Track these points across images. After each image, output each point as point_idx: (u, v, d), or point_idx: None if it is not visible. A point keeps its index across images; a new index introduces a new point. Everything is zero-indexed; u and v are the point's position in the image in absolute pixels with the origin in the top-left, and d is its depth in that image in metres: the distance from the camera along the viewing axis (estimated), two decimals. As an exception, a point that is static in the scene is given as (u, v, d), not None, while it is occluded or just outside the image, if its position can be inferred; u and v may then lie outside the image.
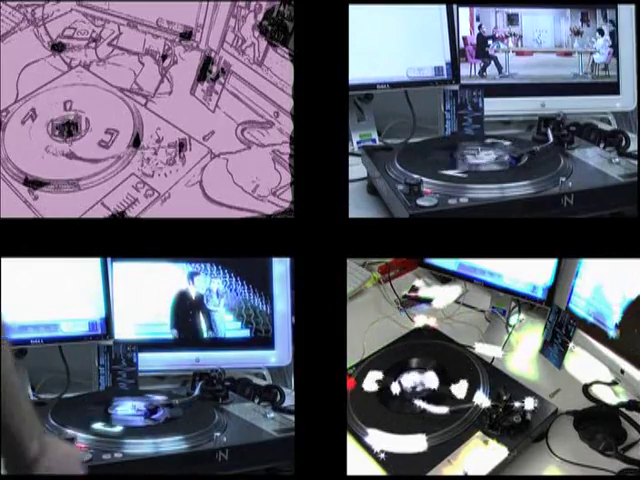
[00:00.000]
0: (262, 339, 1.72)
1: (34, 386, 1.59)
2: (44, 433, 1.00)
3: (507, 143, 1.55)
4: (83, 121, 1.34)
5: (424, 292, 1.84)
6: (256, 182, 1.34)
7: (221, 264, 1.70)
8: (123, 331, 1.62)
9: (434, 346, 1.54)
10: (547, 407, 1.32)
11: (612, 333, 1.40)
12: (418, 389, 1.38)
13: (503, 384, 1.35)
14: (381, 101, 1.90)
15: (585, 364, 1.51)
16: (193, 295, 1.70)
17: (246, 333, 1.72)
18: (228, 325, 1.71)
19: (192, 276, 1.70)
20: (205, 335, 1.70)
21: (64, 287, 1.52)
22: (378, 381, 1.39)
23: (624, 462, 1.21)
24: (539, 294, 1.57)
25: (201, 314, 1.70)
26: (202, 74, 1.37)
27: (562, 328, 1.49)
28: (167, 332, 1.68)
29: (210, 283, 1.71)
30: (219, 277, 1.71)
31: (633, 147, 1.73)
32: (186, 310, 1.70)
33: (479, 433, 1.25)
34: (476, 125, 1.69)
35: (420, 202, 1.26)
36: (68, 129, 1.33)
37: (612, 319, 1.41)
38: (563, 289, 1.55)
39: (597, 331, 1.46)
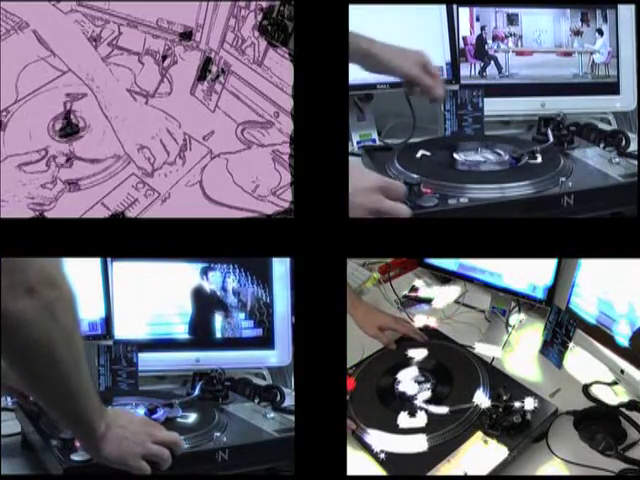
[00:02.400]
0: (262, 339, 1.73)
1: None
2: (104, 407, 1.08)
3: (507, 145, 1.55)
4: (83, 121, 1.33)
5: (424, 292, 1.84)
6: (256, 182, 1.34)
7: (226, 262, 1.71)
8: (122, 331, 1.62)
9: (434, 346, 1.55)
10: (547, 407, 1.32)
11: (623, 342, 1.39)
12: (418, 389, 1.37)
13: (503, 384, 1.35)
14: (381, 101, 1.90)
15: (585, 364, 1.51)
16: (204, 293, 1.70)
17: (250, 324, 1.72)
18: (236, 318, 1.71)
19: (205, 273, 1.70)
20: (220, 332, 1.70)
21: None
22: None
23: (624, 462, 1.21)
24: (539, 294, 1.57)
25: (214, 311, 1.71)
26: (202, 74, 1.37)
27: (562, 328, 1.49)
28: (170, 331, 1.69)
29: (221, 280, 1.71)
30: (226, 273, 1.71)
31: (633, 147, 1.73)
32: (199, 308, 1.70)
33: (479, 433, 1.25)
34: (476, 125, 1.68)
35: (420, 202, 1.26)
36: (68, 129, 1.33)
37: (615, 319, 1.41)
38: (563, 289, 1.55)
39: (598, 331, 1.46)
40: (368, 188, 1.16)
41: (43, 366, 0.95)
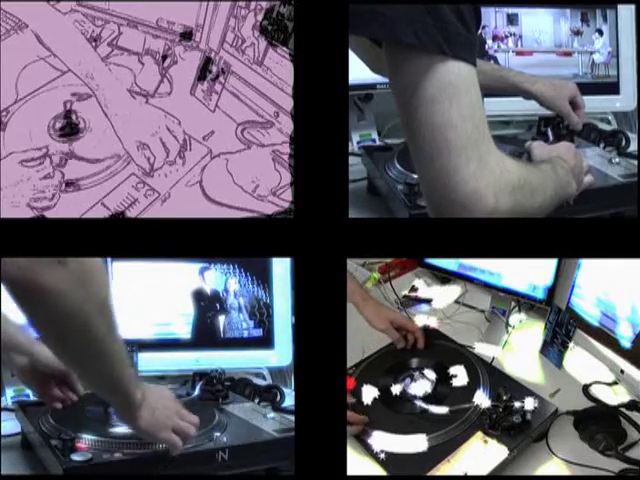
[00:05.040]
0: (262, 339, 1.73)
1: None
2: (139, 378, 1.12)
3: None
4: (83, 121, 1.34)
5: (424, 292, 1.84)
6: (256, 182, 1.34)
7: (226, 262, 1.71)
8: (122, 331, 1.62)
9: (434, 346, 1.54)
10: (547, 407, 1.32)
11: (626, 343, 1.39)
12: (418, 389, 1.37)
13: (503, 384, 1.35)
14: (381, 101, 1.90)
15: (585, 364, 1.51)
16: (204, 293, 1.70)
17: (250, 324, 1.72)
18: (236, 318, 1.71)
19: (205, 273, 1.70)
20: (220, 333, 1.70)
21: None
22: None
23: (624, 462, 1.21)
24: (539, 294, 1.57)
25: (214, 311, 1.70)
26: (202, 74, 1.37)
27: (562, 328, 1.49)
28: (170, 331, 1.68)
29: (221, 280, 1.71)
30: (226, 274, 1.71)
31: (633, 147, 1.74)
32: (199, 308, 1.70)
33: (479, 433, 1.25)
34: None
35: (420, 202, 1.26)
36: (68, 129, 1.33)
37: (617, 321, 1.41)
38: (563, 289, 1.55)
39: (599, 332, 1.46)
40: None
41: (78, 335, 0.96)
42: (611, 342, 1.41)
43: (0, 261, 0.90)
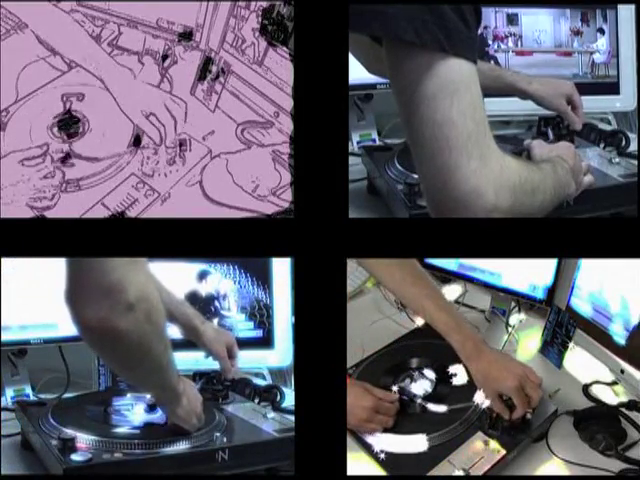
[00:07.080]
0: (262, 339, 1.72)
1: (34, 386, 1.60)
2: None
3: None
4: (83, 121, 1.33)
5: (424, 292, 1.83)
6: (256, 182, 1.34)
7: (226, 262, 1.70)
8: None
9: (434, 346, 1.54)
10: (547, 407, 1.32)
11: (620, 340, 1.39)
12: (418, 389, 1.37)
13: (503, 384, 1.34)
14: (381, 101, 1.90)
15: (585, 364, 1.51)
16: (203, 294, 1.70)
17: (250, 326, 1.72)
18: (236, 319, 1.71)
19: (201, 274, 1.70)
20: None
21: (64, 287, 1.51)
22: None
23: (624, 462, 1.21)
24: (539, 294, 1.57)
25: (214, 312, 1.70)
26: (202, 74, 1.37)
27: (562, 328, 1.49)
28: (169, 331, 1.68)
29: (221, 281, 1.71)
30: (226, 274, 1.71)
31: (633, 147, 1.74)
32: (199, 309, 1.69)
33: (479, 433, 1.25)
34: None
35: (420, 202, 1.26)
36: (68, 129, 1.33)
37: (614, 319, 1.41)
38: (563, 289, 1.55)
39: (597, 330, 1.46)
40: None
41: (142, 359, 1.07)
42: (607, 340, 1.41)
43: (74, 313, 0.99)
